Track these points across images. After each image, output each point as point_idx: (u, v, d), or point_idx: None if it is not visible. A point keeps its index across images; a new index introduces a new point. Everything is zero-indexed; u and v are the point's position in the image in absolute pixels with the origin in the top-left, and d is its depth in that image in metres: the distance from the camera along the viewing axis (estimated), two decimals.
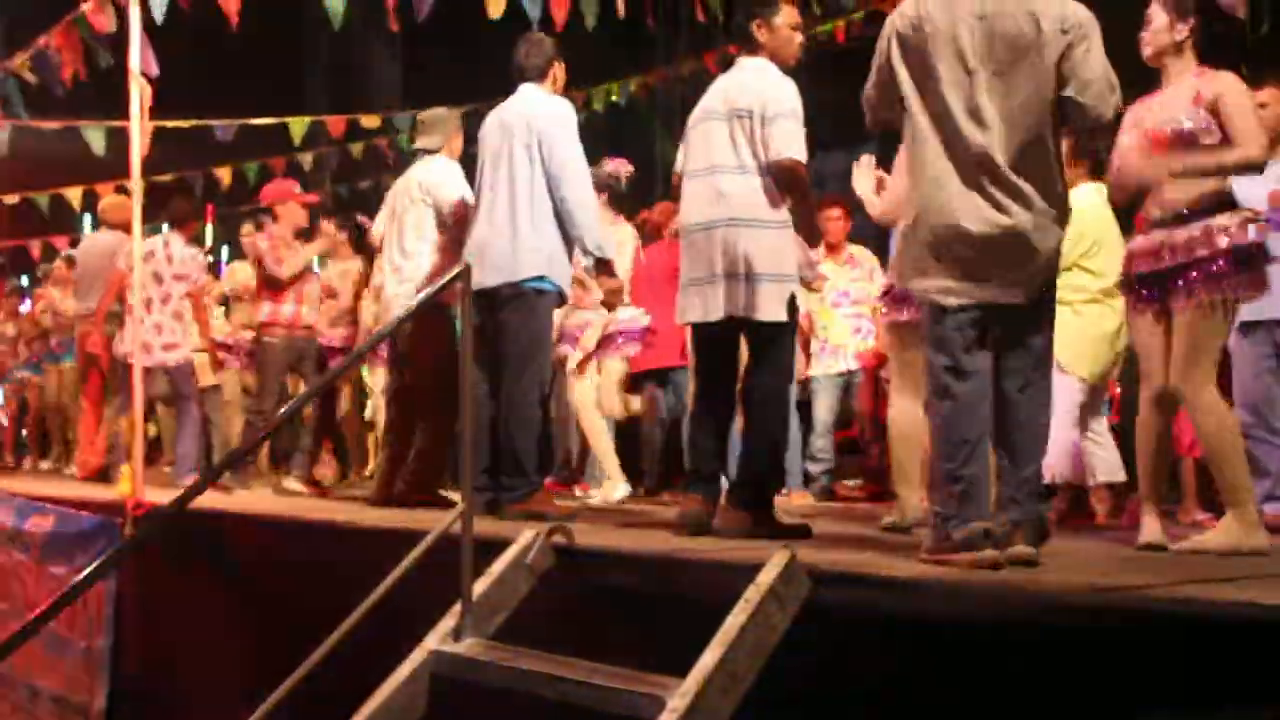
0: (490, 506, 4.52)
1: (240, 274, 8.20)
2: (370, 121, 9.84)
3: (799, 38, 4.16)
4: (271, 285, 6.46)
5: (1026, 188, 3.13)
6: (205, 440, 7.76)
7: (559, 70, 4.85)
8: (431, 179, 5.31)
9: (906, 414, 4.33)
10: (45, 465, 9.42)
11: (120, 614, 5.18)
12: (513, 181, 4.62)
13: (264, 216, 7.35)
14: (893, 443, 4.44)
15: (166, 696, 5.00)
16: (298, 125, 9.37)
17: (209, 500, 5.06)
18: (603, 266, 4.78)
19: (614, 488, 6.03)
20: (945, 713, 2.57)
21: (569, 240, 4.68)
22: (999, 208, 3.12)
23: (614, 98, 9.83)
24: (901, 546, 3.61)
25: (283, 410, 3.08)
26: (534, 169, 4.59)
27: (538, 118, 4.63)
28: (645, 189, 10.66)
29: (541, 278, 4.60)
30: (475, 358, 4.57)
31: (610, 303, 5.20)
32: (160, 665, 5.07)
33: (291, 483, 6.47)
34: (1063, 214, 3.23)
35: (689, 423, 4.28)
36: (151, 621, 5.11)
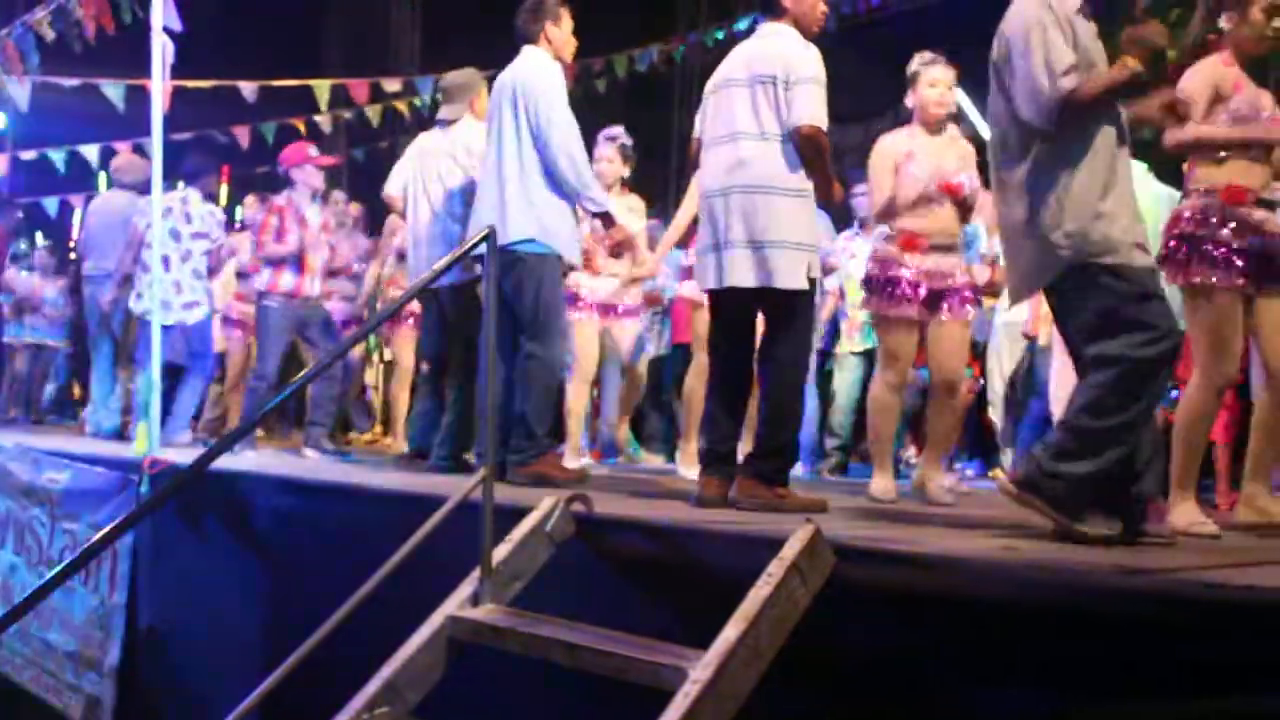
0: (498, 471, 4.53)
1: (247, 245, 8.14)
2: (391, 84, 9.77)
3: (822, 5, 4.14)
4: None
5: None
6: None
7: (552, 30, 4.76)
8: (456, 146, 5.34)
9: None
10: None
11: (135, 570, 5.18)
12: (501, 145, 4.63)
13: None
14: None
15: (181, 654, 5.01)
16: (321, 88, 9.30)
17: (227, 460, 5.07)
18: (605, 221, 4.79)
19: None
20: (968, 690, 2.56)
21: (569, 205, 4.68)
22: None
23: (635, 65, 9.75)
24: (924, 522, 3.59)
25: (304, 373, 3.08)
26: (520, 131, 4.58)
27: (523, 80, 4.62)
28: (663, 157, 10.63)
29: (531, 240, 4.57)
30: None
31: (616, 253, 5.21)
32: (175, 623, 5.07)
33: (309, 452, 6.44)
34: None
35: (705, 399, 4.24)
36: (167, 579, 5.12)
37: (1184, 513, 3.67)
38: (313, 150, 6.76)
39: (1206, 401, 3.81)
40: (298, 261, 6.39)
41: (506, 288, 4.59)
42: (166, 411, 6.16)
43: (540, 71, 4.63)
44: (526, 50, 4.77)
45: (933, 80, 4.73)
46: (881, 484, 4.70)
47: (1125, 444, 3.07)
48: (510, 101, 4.62)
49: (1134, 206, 3.24)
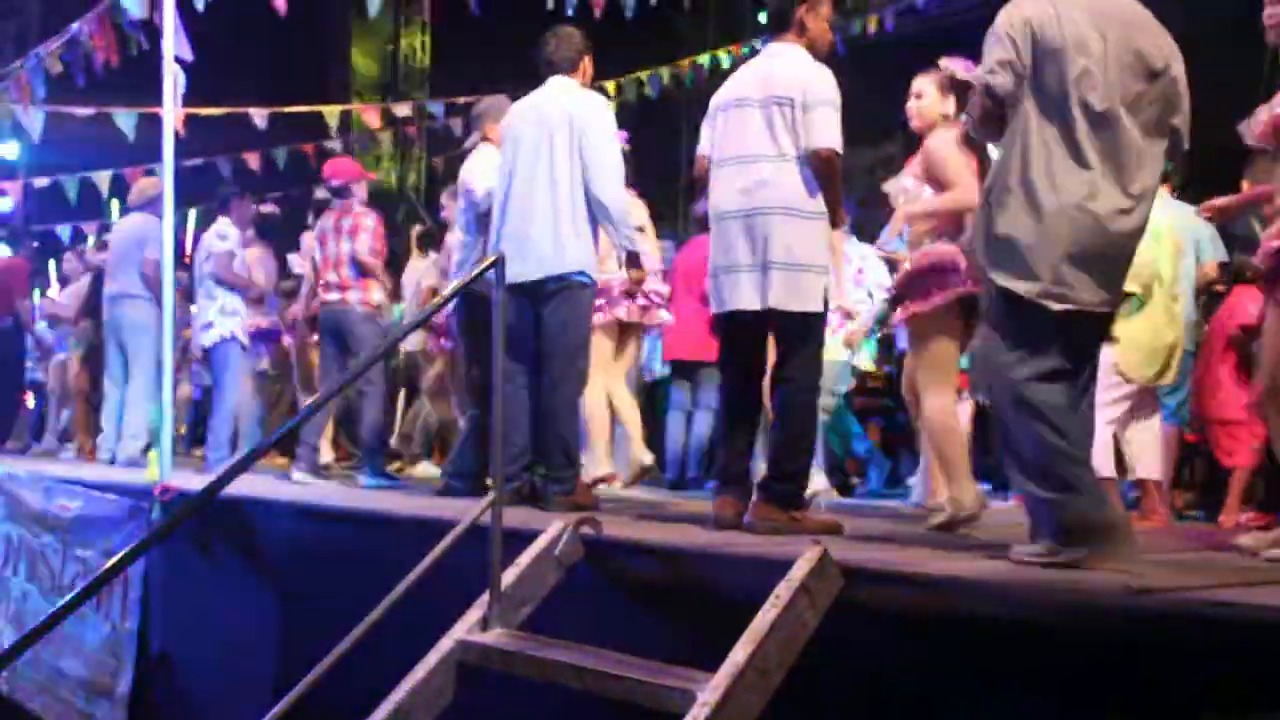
0: (522, 496, 4.55)
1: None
2: (401, 109, 9.84)
3: (830, 31, 4.20)
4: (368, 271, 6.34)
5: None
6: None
7: (588, 63, 4.85)
8: (467, 169, 5.38)
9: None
10: (67, 454, 9.11)
11: (147, 597, 5.20)
12: (553, 177, 4.62)
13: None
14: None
15: (192, 681, 5.02)
16: (331, 114, 9.38)
17: (239, 486, 5.07)
18: (632, 260, 4.81)
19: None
20: (975, 710, 2.55)
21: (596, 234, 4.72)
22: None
23: (645, 89, 9.80)
24: (931, 544, 3.58)
25: (322, 393, 3.10)
26: (574, 165, 4.59)
27: (579, 114, 4.63)
28: (672, 177, 10.68)
29: (583, 272, 4.62)
30: (512, 350, 4.59)
31: (632, 291, 5.30)
32: (187, 650, 5.08)
33: (298, 475, 6.42)
34: None
35: (718, 420, 4.24)
36: (178, 605, 5.13)
37: None
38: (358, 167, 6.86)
39: None
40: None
41: (550, 315, 4.62)
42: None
43: (600, 111, 4.69)
44: (563, 81, 4.77)
45: (912, 91, 4.61)
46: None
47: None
48: (566, 134, 4.61)
49: None
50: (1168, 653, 2.34)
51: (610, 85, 9.62)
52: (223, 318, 6.99)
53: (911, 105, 4.51)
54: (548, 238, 4.60)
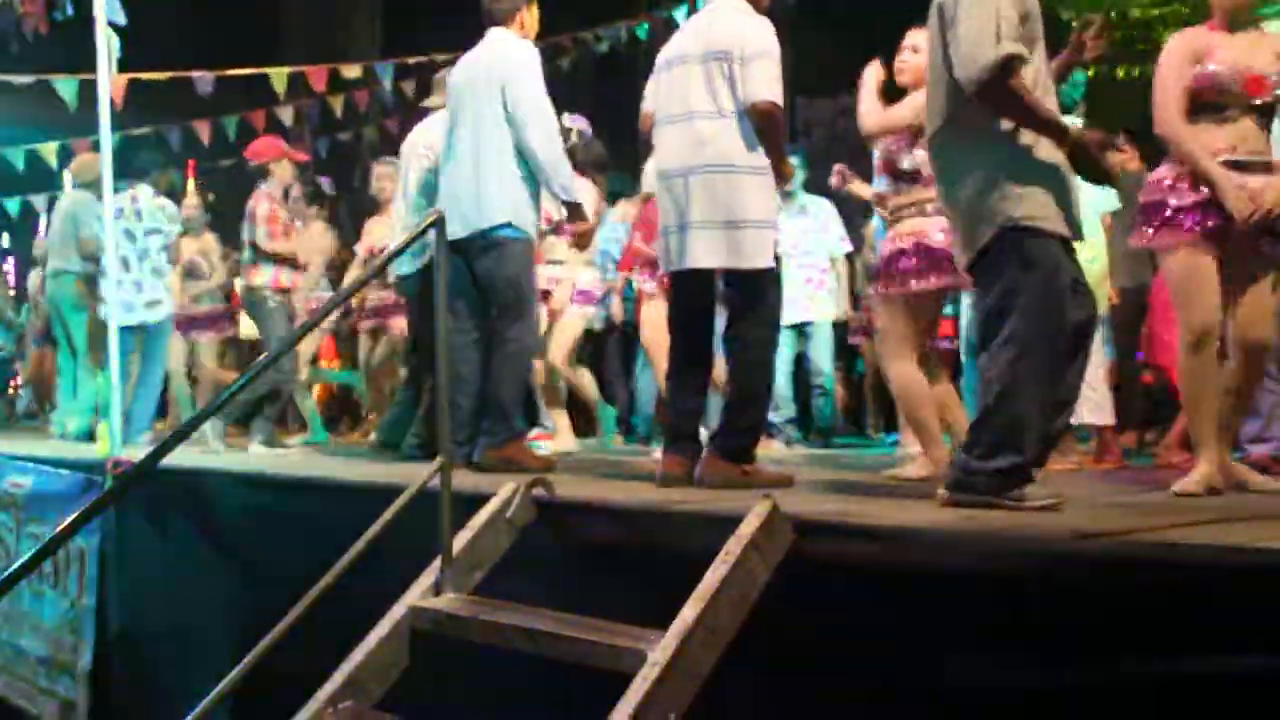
0: (468, 456, 4.51)
1: (187, 248, 7.77)
2: (351, 72, 9.66)
3: None
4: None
5: None
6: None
7: (528, 15, 4.74)
8: (433, 137, 5.27)
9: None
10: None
11: (104, 573, 5.15)
12: (477, 130, 4.57)
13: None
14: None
15: (153, 655, 4.99)
16: (279, 77, 9.18)
17: (189, 457, 5.02)
18: (572, 210, 4.71)
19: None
20: (930, 663, 2.55)
21: (535, 190, 4.62)
22: None
23: (602, 43, 9.68)
24: (883, 495, 3.58)
25: (256, 363, 3.04)
26: (496, 116, 4.53)
27: (498, 63, 4.56)
28: (631, 131, 10.52)
29: (508, 224, 4.54)
30: (459, 309, 4.54)
31: (581, 245, 5.07)
32: (146, 624, 5.05)
33: (258, 446, 6.35)
34: None
35: (667, 380, 4.21)
36: (135, 580, 5.08)
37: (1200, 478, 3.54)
38: (283, 144, 6.71)
39: (1185, 357, 3.69)
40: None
41: (482, 272, 4.57)
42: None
43: (520, 56, 4.58)
44: (496, 33, 4.70)
45: (904, 45, 4.49)
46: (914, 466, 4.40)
47: (1039, 425, 3.08)
48: (486, 85, 4.55)
49: (1065, 184, 3.17)
50: (1116, 595, 2.34)
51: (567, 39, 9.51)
52: (169, 295, 7.01)
53: (906, 59, 4.40)
54: (470, 194, 4.54)
